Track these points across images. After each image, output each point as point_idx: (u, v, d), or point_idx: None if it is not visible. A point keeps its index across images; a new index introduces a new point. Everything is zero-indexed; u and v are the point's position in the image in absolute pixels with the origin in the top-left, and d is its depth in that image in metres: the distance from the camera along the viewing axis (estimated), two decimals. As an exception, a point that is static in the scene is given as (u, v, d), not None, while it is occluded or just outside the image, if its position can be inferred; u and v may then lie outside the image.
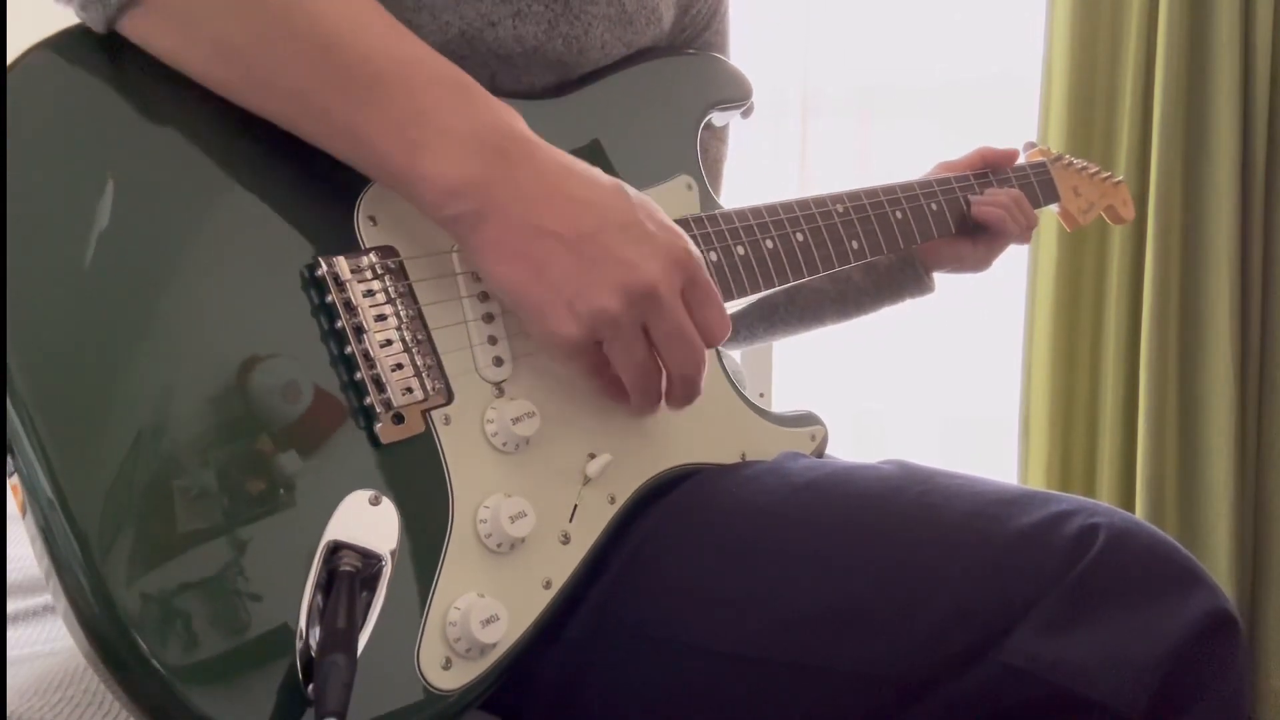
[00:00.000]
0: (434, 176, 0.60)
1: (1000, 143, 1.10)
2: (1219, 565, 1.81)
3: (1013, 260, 1.97)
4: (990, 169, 1.06)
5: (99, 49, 0.60)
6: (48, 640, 0.80)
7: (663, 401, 0.69)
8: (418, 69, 0.61)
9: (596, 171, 0.64)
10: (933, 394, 2.17)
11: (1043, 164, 1.11)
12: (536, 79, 0.79)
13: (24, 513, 0.52)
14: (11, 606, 0.86)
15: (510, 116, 0.63)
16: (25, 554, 0.96)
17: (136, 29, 0.60)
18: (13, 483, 0.52)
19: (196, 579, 0.53)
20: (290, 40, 0.60)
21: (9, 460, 0.51)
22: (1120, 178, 1.19)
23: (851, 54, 2.15)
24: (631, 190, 0.65)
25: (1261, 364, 1.88)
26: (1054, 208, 1.13)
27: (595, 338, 0.63)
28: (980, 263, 1.06)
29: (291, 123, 0.62)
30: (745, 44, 0.97)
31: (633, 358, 0.65)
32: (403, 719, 0.58)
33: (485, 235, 0.61)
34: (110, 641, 0.50)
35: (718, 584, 0.68)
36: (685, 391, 0.68)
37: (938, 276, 1.08)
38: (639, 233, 0.62)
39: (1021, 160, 1.11)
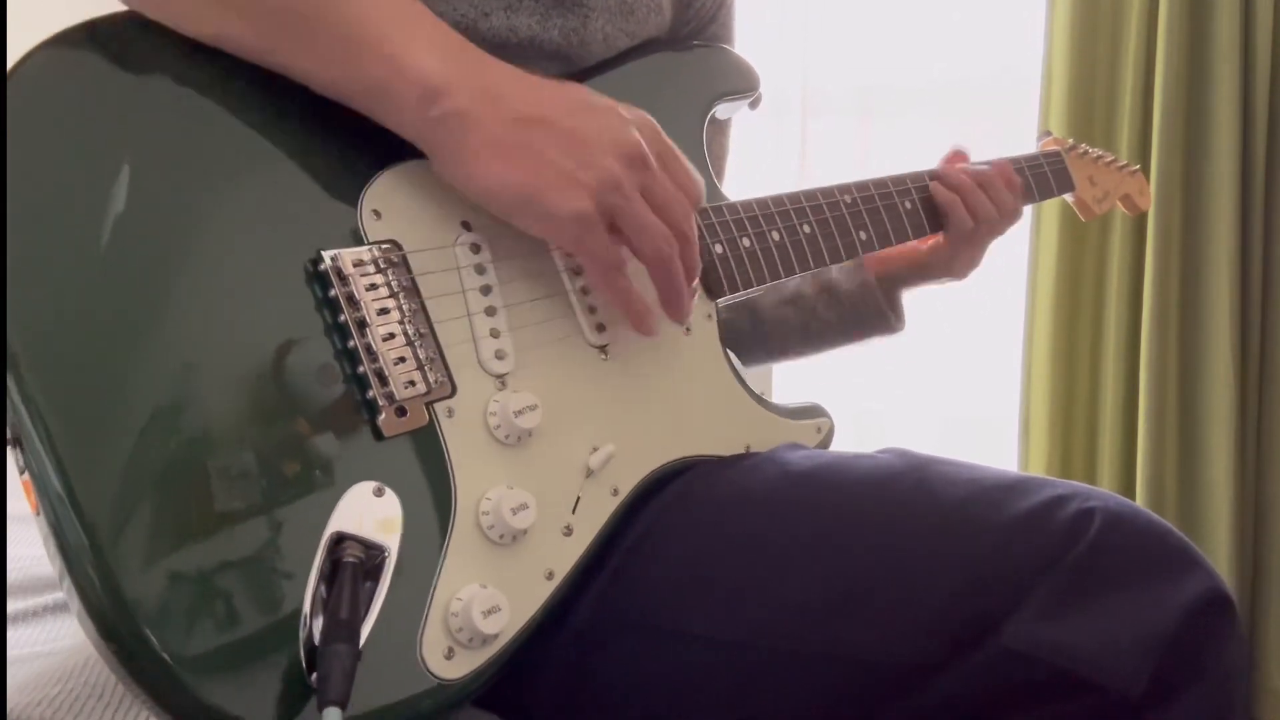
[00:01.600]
0: (416, 77, 0.62)
1: (1000, 142, 1.09)
2: (1219, 564, 1.81)
3: (1013, 260, 1.98)
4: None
5: (102, 46, 0.60)
6: (48, 640, 0.80)
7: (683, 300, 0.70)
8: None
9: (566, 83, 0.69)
10: (933, 393, 2.17)
11: (1057, 153, 1.11)
12: (542, 72, 0.79)
13: (37, 511, 0.52)
14: (11, 606, 0.86)
15: (454, 31, 0.66)
16: (25, 554, 0.96)
17: None
18: (24, 480, 0.52)
19: (203, 569, 0.53)
20: None
21: (21, 458, 0.52)
22: (1136, 166, 1.18)
23: (851, 54, 2.16)
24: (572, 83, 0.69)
25: (1261, 364, 1.88)
26: (1069, 197, 1.13)
27: (605, 206, 0.64)
28: (945, 268, 1.00)
29: (271, 53, 0.63)
30: (745, 44, 0.97)
31: (646, 220, 0.66)
32: (405, 708, 0.58)
33: (475, 137, 0.63)
34: (118, 631, 0.50)
35: (718, 572, 0.68)
36: (690, 260, 0.69)
37: (916, 291, 1.04)
38: (606, 106, 0.66)
39: (1036, 149, 1.10)
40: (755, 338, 1.03)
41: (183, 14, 0.62)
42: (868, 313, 1.01)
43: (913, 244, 0.98)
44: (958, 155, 1.02)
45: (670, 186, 0.67)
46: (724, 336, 0.81)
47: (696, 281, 0.71)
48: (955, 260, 0.99)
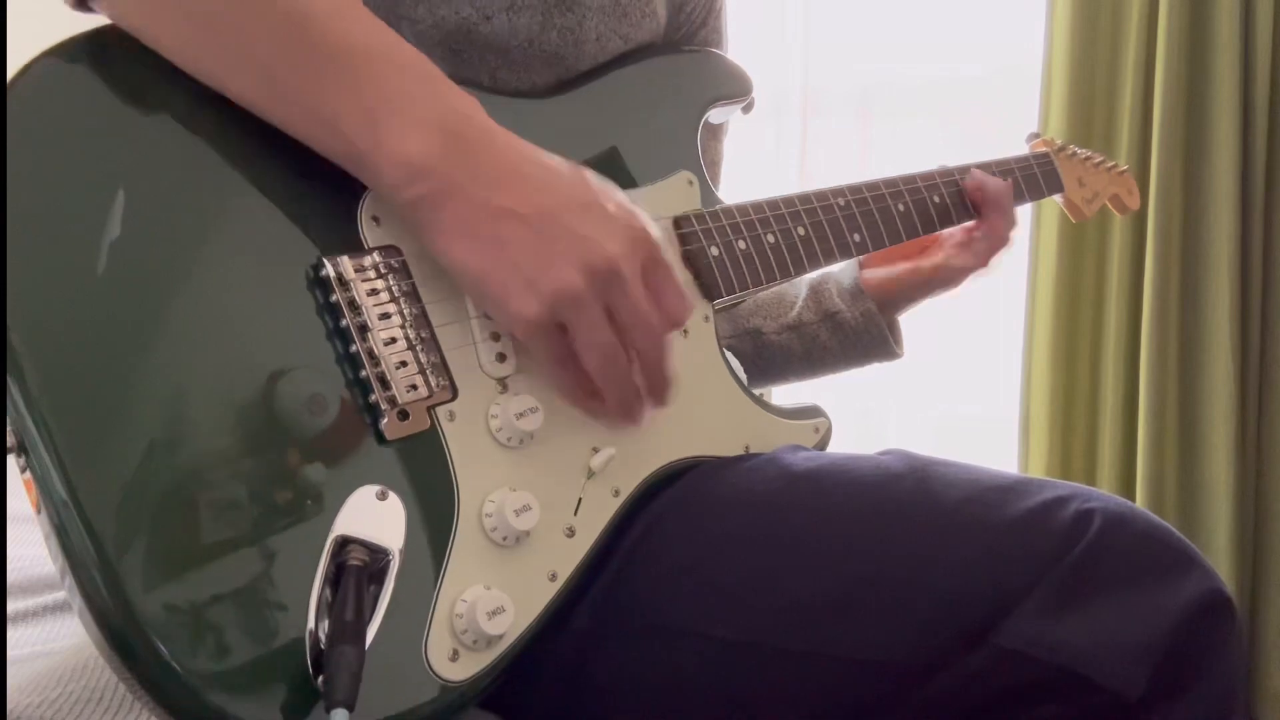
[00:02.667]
0: (396, 156, 0.60)
1: (1000, 141, 1.09)
2: (1219, 564, 1.82)
3: (1013, 260, 1.98)
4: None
5: (104, 56, 0.60)
6: (47, 640, 0.80)
7: (640, 407, 0.66)
8: (385, 54, 0.62)
9: (556, 158, 0.64)
10: (933, 393, 2.17)
11: (1046, 154, 1.11)
12: (537, 76, 0.79)
13: (38, 510, 0.52)
14: (11, 606, 0.86)
15: (470, 104, 0.63)
16: (25, 554, 0.96)
17: (107, 4, 0.60)
18: (25, 479, 0.52)
19: (208, 574, 0.53)
20: (261, 15, 0.60)
21: (22, 458, 0.52)
22: (1125, 167, 1.19)
23: (851, 53, 2.16)
24: (591, 174, 0.64)
25: (1261, 364, 1.88)
26: (1058, 198, 1.13)
27: (557, 317, 0.61)
28: (945, 281, 0.99)
29: (259, 103, 0.62)
30: (745, 43, 0.98)
31: (596, 338, 0.62)
32: (411, 710, 0.58)
33: (445, 217, 0.61)
34: (123, 634, 0.51)
35: (719, 573, 0.69)
36: (653, 379, 0.65)
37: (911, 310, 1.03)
38: (599, 212, 0.62)
39: (1025, 150, 1.10)
40: (758, 364, 1.02)
41: (168, 52, 0.62)
42: (870, 340, 1.00)
43: (915, 263, 0.98)
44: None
45: (641, 307, 0.62)
46: (721, 338, 0.81)
47: (667, 393, 0.66)
48: (963, 270, 0.99)
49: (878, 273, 0.98)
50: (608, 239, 0.61)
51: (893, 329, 1.02)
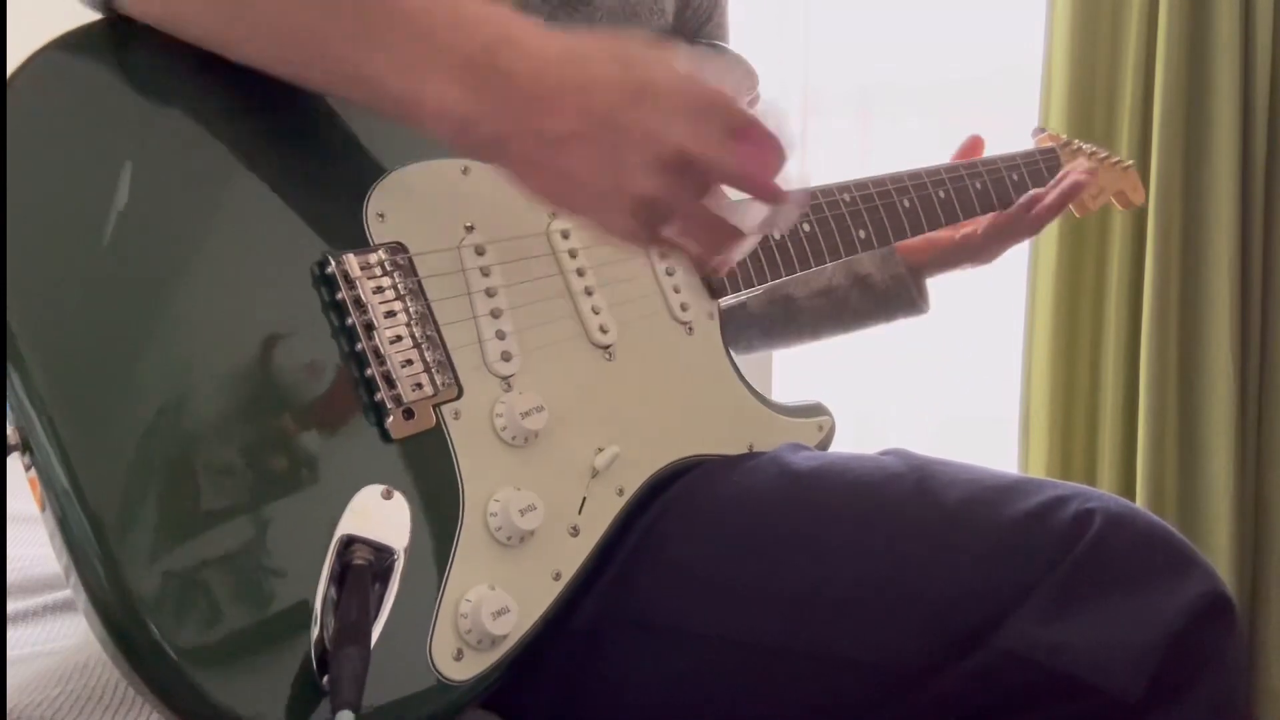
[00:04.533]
0: (442, 112, 0.58)
1: (1000, 142, 1.09)
2: (1219, 564, 1.82)
3: (1013, 260, 1.98)
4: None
5: (109, 48, 0.60)
6: (47, 640, 0.80)
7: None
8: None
9: (588, 43, 0.60)
10: (933, 393, 2.17)
11: (1052, 149, 1.11)
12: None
13: (43, 507, 0.52)
14: (11, 606, 0.86)
15: (497, 20, 0.59)
16: (25, 554, 0.95)
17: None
18: (30, 477, 0.52)
19: (211, 572, 0.53)
20: None
21: (26, 456, 0.51)
22: (1130, 162, 1.19)
23: (851, 53, 2.16)
24: (634, 43, 0.60)
25: (1261, 364, 1.88)
26: None
27: (655, 220, 0.60)
28: (985, 253, 1.04)
29: (295, 69, 0.61)
30: (745, 43, 0.97)
31: (697, 226, 0.62)
32: (415, 709, 0.58)
33: (514, 161, 0.60)
34: (128, 633, 0.50)
35: (720, 572, 0.69)
36: (771, 215, 0.64)
37: (941, 280, 1.07)
38: (652, 96, 0.58)
39: (1031, 146, 1.10)
40: (790, 327, 1.06)
41: (190, 24, 0.61)
42: (899, 301, 1.04)
43: (945, 233, 1.01)
44: (975, 141, 1.06)
45: (729, 171, 0.60)
46: (725, 335, 0.81)
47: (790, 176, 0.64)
48: (989, 248, 1.04)
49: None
50: (669, 125, 0.58)
51: (921, 290, 1.05)
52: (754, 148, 0.60)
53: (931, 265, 1.05)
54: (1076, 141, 1.14)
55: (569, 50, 0.59)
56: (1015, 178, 1.04)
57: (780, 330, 1.06)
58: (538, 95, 0.58)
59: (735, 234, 0.63)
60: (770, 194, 0.61)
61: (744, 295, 0.82)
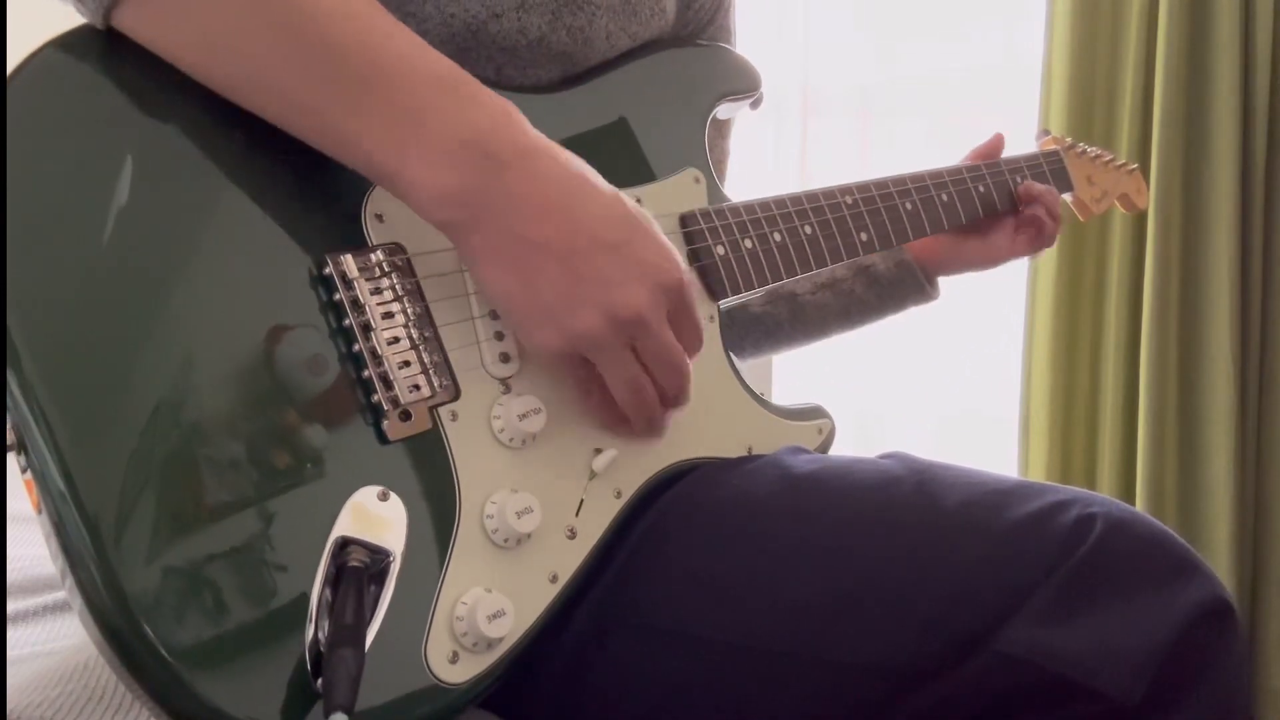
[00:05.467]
0: (423, 183, 0.59)
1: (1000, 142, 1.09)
2: (1219, 564, 1.82)
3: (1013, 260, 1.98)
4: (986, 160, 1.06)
5: (108, 48, 0.60)
6: (48, 640, 0.80)
7: (664, 425, 0.69)
8: (409, 66, 0.60)
9: (597, 180, 0.63)
10: (933, 393, 2.17)
11: (1056, 152, 1.10)
12: (542, 73, 0.79)
13: (39, 509, 0.52)
14: (11, 606, 0.86)
15: (505, 116, 0.61)
16: (25, 554, 0.95)
17: (129, 22, 0.60)
18: (26, 479, 0.52)
19: (207, 572, 0.53)
20: (279, 35, 0.59)
21: (23, 458, 0.51)
22: (1134, 165, 1.18)
23: (851, 53, 2.16)
24: (630, 203, 0.64)
25: (1261, 364, 1.88)
26: (1067, 197, 1.13)
27: (579, 354, 0.63)
28: (989, 259, 1.04)
29: (282, 119, 0.61)
30: (745, 43, 0.97)
31: (619, 375, 0.65)
32: (410, 711, 0.58)
33: (476, 242, 0.61)
34: (123, 635, 0.50)
35: (718, 575, 0.68)
36: (676, 402, 0.68)
37: (942, 280, 1.07)
38: (630, 254, 0.62)
39: (1035, 148, 1.10)
40: (797, 325, 1.04)
41: (183, 61, 0.61)
42: (907, 289, 1.03)
43: (957, 236, 1.01)
44: (998, 139, 1.06)
45: (667, 348, 0.65)
46: (725, 338, 0.81)
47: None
48: (999, 251, 1.03)
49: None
50: (637, 286, 0.61)
51: (929, 278, 1.04)
52: (685, 335, 0.66)
53: (939, 265, 1.04)
54: (1081, 145, 1.14)
55: (574, 172, 0.62)
56: (1019, 180, 1.04)
57: (786, 330, 1.04)
58: (529, 201, 0.60)
59: (651, 399, 0.67)
60: (676, 392, 0.67)
61: (744, 298, 0.82)
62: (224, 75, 0.60)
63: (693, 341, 0.67)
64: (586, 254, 0.61)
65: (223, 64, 0.60)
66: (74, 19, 0.61)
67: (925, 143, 2.12)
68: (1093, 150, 1.14)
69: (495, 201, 0.60)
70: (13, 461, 0.53)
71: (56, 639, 0.80)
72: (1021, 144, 1.14)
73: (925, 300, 1.05)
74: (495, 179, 0.60)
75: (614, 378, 0.65)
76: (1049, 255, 1.96)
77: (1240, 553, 1.84)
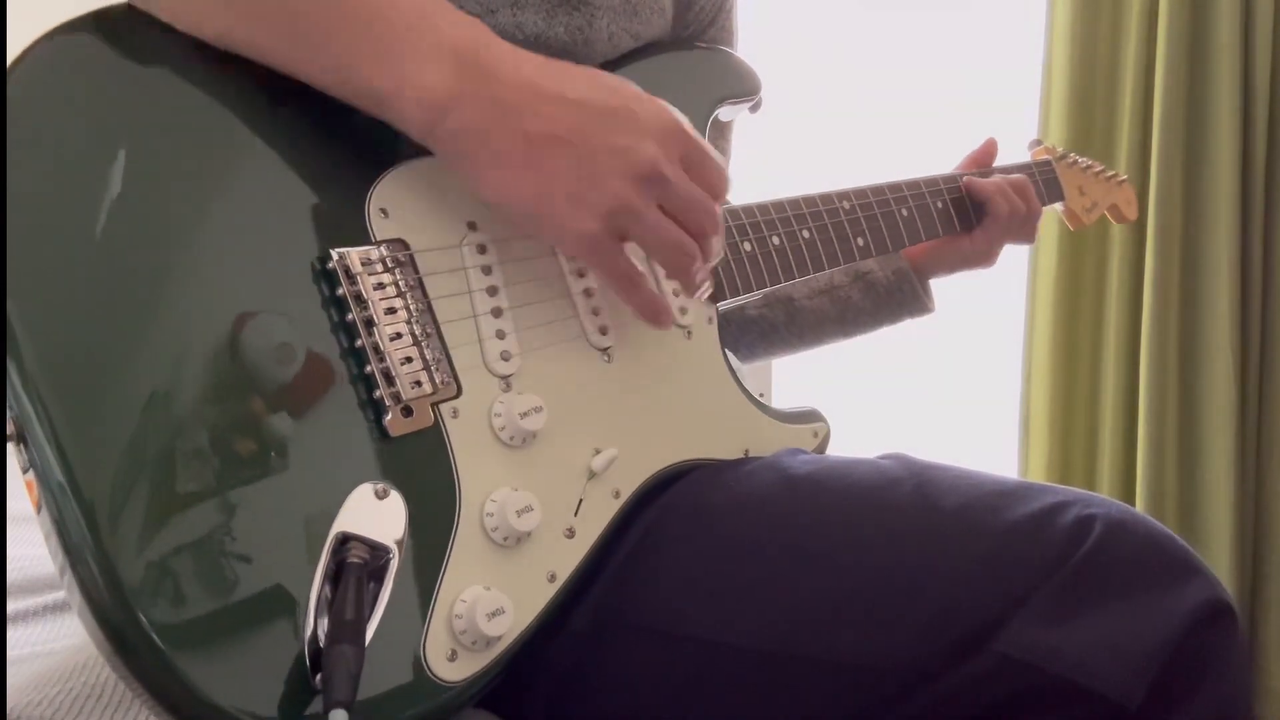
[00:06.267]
0: (418, 94, 0.60)
1: (1001, 143, 1.10)
2: (1219, 564, 1.82)
3: (1013, 260, 1.98)
4: (980, 165, 1.06)
5: (112, 36, 0.60)
6: (47, 640, 0.80)
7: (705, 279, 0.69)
8: None
9: (566, 64, 0.65)
10: (933, 393, 2.17)
11: (1048, 162, 1.11)
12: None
13: (39, 508, 0.52)
14: (11, 606, 0.86)
15: (477, 27, 0.63)
16: (25, 554, 0.95)
17: None
18: (27, 479, 0.52)
19: (206, 569, 0.53)
20: None
21: (24, 454, 0.51)
22: (1125, 177, 1.20)
23: (851, 54, 2.16)
24: (605, 74, 0.66)
25: (1261, 364, 1.88)
26: (1058, 206, 1.13)
27: (617, 231, 0.64)
28: (984, 256, 1.04)
29: (274, 53, 0.62)
30: (744, 44, 0.98)
31: (661, 237, 0.65)
32: (408, 709, 0.58)
33: (482, 152, 0.62)
34: (122, 630, 0.50)
35: (716, 577, 0.68)
36: (712, 248, 0.68)
37: (940, 280, 1.07)
38: (628, 115, 0.63)
39: (1027, 158, 1.11)
40: (792, 330, 1.04)
41: (185, 12, 0.61)
42: (904, 298, 1.03)
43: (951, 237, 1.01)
44: (991, 144, 1.07)
45: (691, 192, 0.65)
46: (724, 340, 0.81)
47: (714, 262, 0.70)
48: (992, 248, 1.04)
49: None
50: (644, 141, 0.63)
51: (925, 287, 1.04)
52: (704, 175, 0.66)
53: (934, 266, 1.04)
54: (1072, 155, 1.15)
55: (548, 65, 0.64)
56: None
57: (782, 334, 1.04)
58: (520, 95, 0.62)
59: (692, 249, 0.67)
60: (710, 234, 0.67)
61: (742, 300, 0.82)
62: (216, 11, 0.61)
63: (714, 179, 0.67)
64: (590, 129, 0.62)
65: (224, 9, 0.61)
66: (73, 13, 0.61)
67: (924, 144, 2.12)
68: (1084, 161, 1.15)
69: (489, 103, 0.61)
70: (14, 462, 0.53)
71: (56, 639, 0.80)
72: (1022, 147, 1.15)
73: (921, 312, 1.05)
74: (485, 85, 0.61)
75: (655, 241, 0.65)
76: (1049, 255, 1.96)
77: (1240, 553, 1.84)
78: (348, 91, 0.62)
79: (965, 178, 1.01)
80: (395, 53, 0.61)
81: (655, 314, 0.70)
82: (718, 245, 0.68)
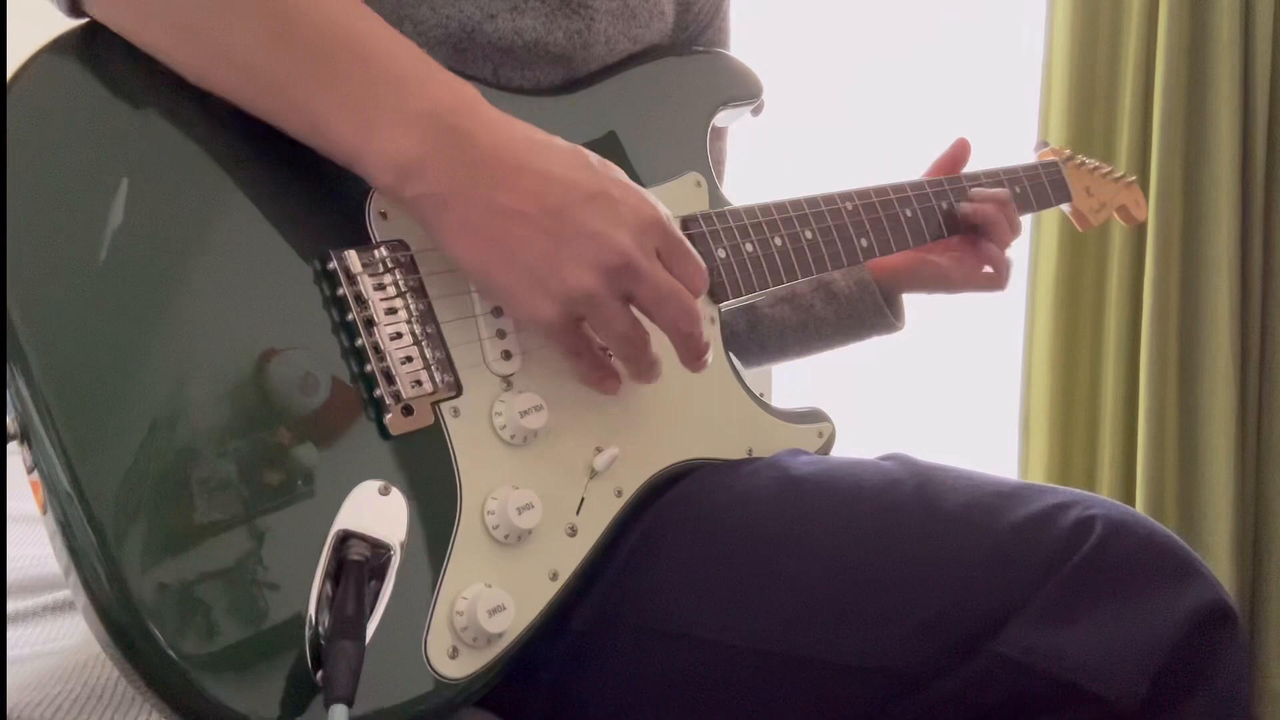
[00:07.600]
0: (388, 157, 0.59)
1: (1000, 144, 1.09)
2: (1219, 564, 1.82)
3: (1013, 261, 1.98)
4: (950, 170, 1.03)
5: (106, 50, 0.60)
6: (48, 640, 0.80)
7: (656, 370, 0.68)
8: (372, 44, 0.60)
9: (555, 140, 0.63)
10: (933, 394, 2.17)
11: (1054, 163, 1.11)
12: (542, 75, 0.79)
13: (44, 510, 0.52)
14: (11, 606, 0.86)
15: (462, 90, 0.61)
16: (25, 554, 0.95)
17: (97, 9, 0.60)
18: (32, 479, 0.52)
19: (209, 567, 0.53)
20: (245, 11, 0.59)
21: (29, 456, 0.52)
22: (1133, 178, 1.19)
23: (848, 54, 2.16)
24: (591, 155, 0.64)
25: (1261, 364, 1.88)
26: (1065, 207, 1.13)
27: (574, 316, 0.62)
28: (963, 281, 1.00)
29: (249, 100, 0.61)
30: (741, 45, 0.97)
31: (615, 330, 0.63)
32: (410, 706, 0.58)
33: (448, 218, 0.60)
34: (125, 628, 0.50)
35: (717, 577, 0.68)
36: (690, 348, 0.66)
37: (920, 297, 1.04)
38: (605, 201, 0.61)
39: (1033, 159, 1.10)
40: (753, 338, 1.02)
41: (151, 43, 0.60)
42: (865, 310, 1.00)
43: (911, 252, 0.98)
44: (962, 144, 1.03)
45: (666, 286, 0.63)
46: (727, 340, 0.81)
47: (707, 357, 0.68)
48: (955, 273, 1.00)
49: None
50: (617, 230, 0.61)
51: (892, 303, 1.01)
52: (682, 271, 0.64)
53: (901, 281, 1.01)
54: (1079, 156, 1.14)
55: (532, 135, 0.62)
56: (1018, 190, 1.04)
57: (743, 341, 1.02)
58: (495, 167, 0.60)
59: (646, 344, 0.65)
60: (682, 322, 0.64)
61: (745, 300, 0.82)
62: (193, 56, 0.60)
63: (691, 272, 0.64)
64: (563, 211, 0.60)
65: (191, 45, 0.60)
66: (72, 20, 0.61)
67: (924, 145, 2.11)
68: (1091, 162, 1.15)
69: (464, 173, 0.59)
70: (15, 462, 0.53)
71: (57, 638, 0.80)
72: (1021, 147, 1.14)
73: (888, 330, 1.02)
74: (460, 151, 0.59)
75: (609, 333, 0.64)
76: (1049, 256, 1.96)
77: (1240, 553, 1.84)
78: (313, 141, 0.61)
79: (963, 207, 0.98)
80: (368, 115, 0.59)
81: (598, 382, 0.69)
82: (698, 342, 0.66)
